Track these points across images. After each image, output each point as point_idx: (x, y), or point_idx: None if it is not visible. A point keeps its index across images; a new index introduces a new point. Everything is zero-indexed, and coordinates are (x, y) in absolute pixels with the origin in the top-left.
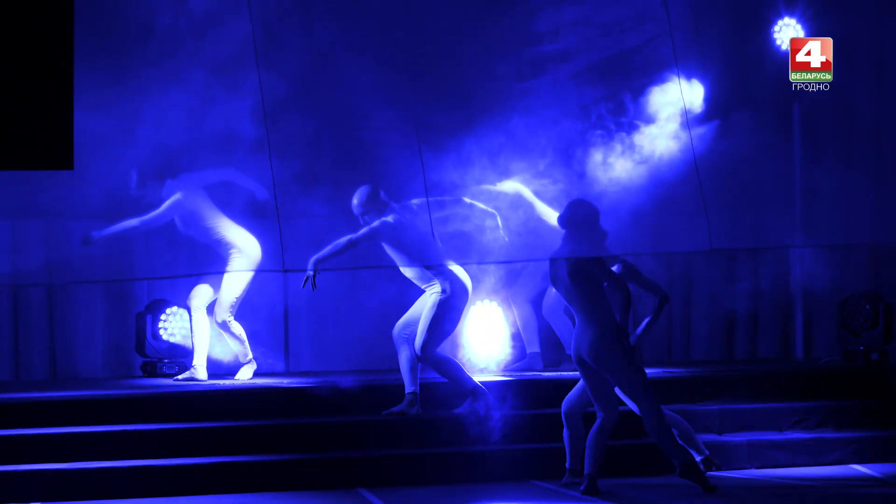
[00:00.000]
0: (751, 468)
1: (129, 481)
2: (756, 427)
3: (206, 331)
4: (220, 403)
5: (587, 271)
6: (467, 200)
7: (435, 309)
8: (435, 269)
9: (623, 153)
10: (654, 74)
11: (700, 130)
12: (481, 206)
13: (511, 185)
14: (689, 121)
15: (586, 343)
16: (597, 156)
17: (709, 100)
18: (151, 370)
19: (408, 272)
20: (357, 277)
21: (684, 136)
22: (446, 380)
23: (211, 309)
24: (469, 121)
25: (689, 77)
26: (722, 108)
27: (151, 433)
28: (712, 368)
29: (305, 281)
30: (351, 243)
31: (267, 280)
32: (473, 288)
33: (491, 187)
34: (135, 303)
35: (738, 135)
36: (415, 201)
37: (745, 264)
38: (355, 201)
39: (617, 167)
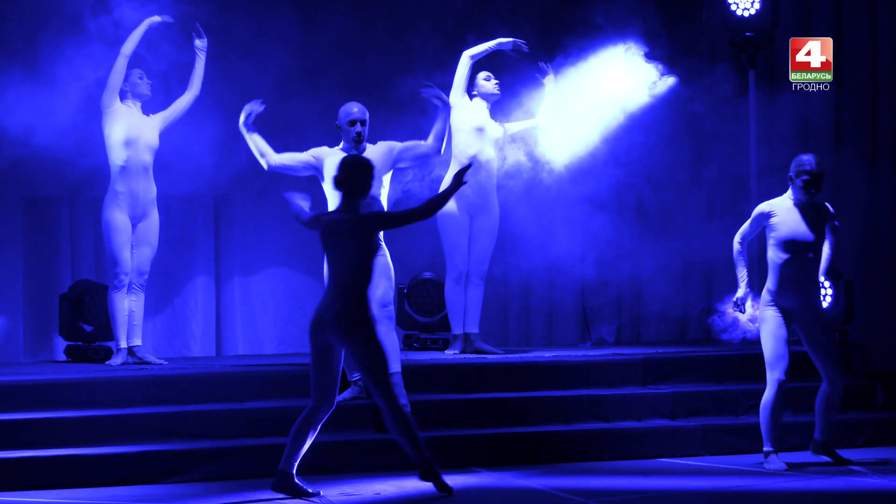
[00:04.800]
0: (706, 454)
1: (52, 470)
2: (711, 412)
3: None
4: (149, 389)
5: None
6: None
7: None
8: None
9: None
10: None
11: None
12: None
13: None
14: None
15: (331, 313)
16: None
17: None
18: (76, 354)
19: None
20: (291, 260)
21: None
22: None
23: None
24: None
25: None
26: None
27: (77, 420)
28: (664, 350)
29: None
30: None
31: (199, 261)
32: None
33: None
34: (58, 284)
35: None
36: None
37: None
38: (359, 109)
39: None
